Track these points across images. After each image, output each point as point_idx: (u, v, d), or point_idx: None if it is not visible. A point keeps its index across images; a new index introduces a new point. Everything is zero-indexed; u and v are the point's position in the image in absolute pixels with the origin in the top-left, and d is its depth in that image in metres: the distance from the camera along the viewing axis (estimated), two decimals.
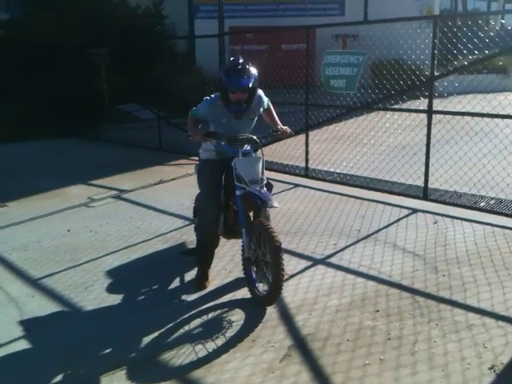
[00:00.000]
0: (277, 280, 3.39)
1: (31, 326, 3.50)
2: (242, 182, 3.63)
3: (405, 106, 7.71)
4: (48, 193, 6.86)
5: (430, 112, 5.45)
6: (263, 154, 3.81)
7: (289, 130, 4.11)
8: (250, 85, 3.66)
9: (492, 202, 5.39)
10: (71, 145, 10.55)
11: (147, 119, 12.01)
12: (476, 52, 6.15)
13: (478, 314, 3.41)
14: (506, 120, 5.31)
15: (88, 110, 11.29)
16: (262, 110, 4.11)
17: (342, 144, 7.74)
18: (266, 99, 4.14)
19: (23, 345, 3.30)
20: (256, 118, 4.11)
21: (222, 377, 2.89)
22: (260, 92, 4.01)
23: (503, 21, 20.45)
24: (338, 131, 8.43)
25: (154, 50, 12.21)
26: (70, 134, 11.27)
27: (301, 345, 3.17)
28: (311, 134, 7.10)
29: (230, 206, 3.98)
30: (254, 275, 3.71)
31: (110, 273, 4.35)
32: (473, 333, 3.19)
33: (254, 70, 3.73)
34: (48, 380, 2.93)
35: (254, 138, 3.80)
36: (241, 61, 3.71)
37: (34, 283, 4.18)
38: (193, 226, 4.72)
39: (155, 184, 7.21)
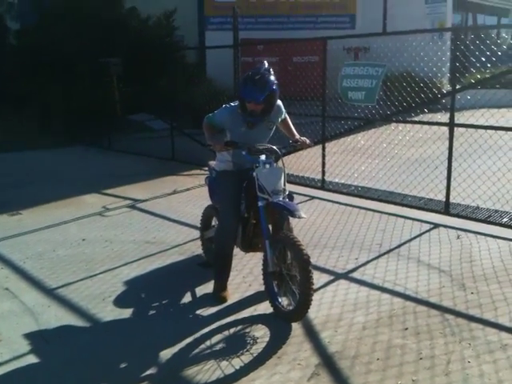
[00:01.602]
0: (306, 295, 3.29)
1: (49, 337, 3.42)
2: (264, 193, 3.54)
3: (421, 119, 7.62)
4: (62, 201, 6.79)
5: (451, 125, 5.35)
6: (284, 165, 3.73)
7: (308, 141, 4.04)
8: (262, 99, 3.59)
9: None
10: (84, 153, 10.50)
11: (159, 129, 12.00)
12: (489, 65, 6.06)
13: (511, 333, 3.28)
14: None
15: (100, 119, 11.29)
16: (280, 120, 4.05)
17: (359, 157, 7.66)
18: (283, 110, 4.07)
19: (41, 357, 3.21)
20: (274, 128, 4.04)
21: None
22: (279, 102, 3.95)
23: None
24: (356, 143, 8.32)
25: (165, 60, 12.23)
26: (83, 143, 11.25)
27: (328, 363, 3.06)
28: (328, 145, 7.01)
29: (248, 218, 3.89)
30: (276, 290, 3.60)
31: (128, 283, 4.26)
32: (508, 354, 3.06)
33: (273, 81, 3.64)
34: None
35: (275, 148, 3.73)
36: (262, 70, 3.64)
37: (50, 293, 4.10)
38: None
39: (169, 194, 7.13)
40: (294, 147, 4.11)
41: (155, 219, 6.00)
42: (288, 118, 4.20)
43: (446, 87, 13.16)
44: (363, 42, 14.38)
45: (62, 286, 4.20)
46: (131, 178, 8.11)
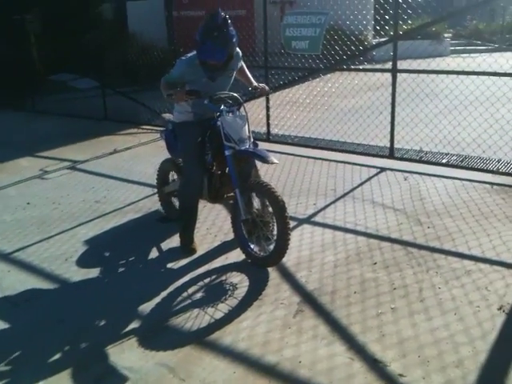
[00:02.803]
0: (284, 239, 3.32)
1: (17, 302, 3.25)
2: (231, 141, 3.48)
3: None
4: None
5: (394, 71, 5.50)
6: (246, 112, 3.68)
7: (267, 88, 4.00)
8: (224, 59, 3.47)
9: (454, 158, 5.57)
10: (7, 116, 9.79)
11: (85, 89, 11.41)
12: (405, 17, 6.22)
13: (471, 260, 3.52)
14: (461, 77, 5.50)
15: (20, 81, 10.54)
16: (238, 67, 3.97)
17: (304, 107, 7.72)
18: (241, 56, 3.98)
19: (11, 321, 3.06)
20: (234, 75, 3.96)
21: (240, 336, 2.81)
22: (237, 49, 3.84)
23: None
24: (300, 95, 8.36)
25: (84, 16, 11.57)
26: (4, 106, 10.46)
27: (310, 300, 3.15)
28: (271, 97, 6.99)
29: (212, 169, 3.84)
30: (247, 237, 3.60)
31: (88, 243, 4.11)
32: (473, 278, 3.29)
33: (232, 34, 3.46)
34: (53, 355, 2.73)
35: (237, 95, 3.66)
36: (219, 22, 3.39)
37: (6, 258, 3.89)
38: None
39: (110, 154, 6.86)
40: (254, 94, 4.05)
41: (101, 179, 5.78)
42: (244, 64, 4.12)
43: (370, 41, 13.46)
44: None
45: (18, 250, 3.99)
46: (64, 139, 7.70)
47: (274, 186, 3.40)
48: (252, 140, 3.67)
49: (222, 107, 3.54)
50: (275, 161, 3.41)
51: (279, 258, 3.44)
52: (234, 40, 3.53)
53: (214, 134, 3.66)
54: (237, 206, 3.56)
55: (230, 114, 3.55)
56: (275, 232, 3.43)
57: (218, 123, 3.55)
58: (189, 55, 3.74)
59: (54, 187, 5.54)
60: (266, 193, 3.36)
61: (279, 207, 3.29)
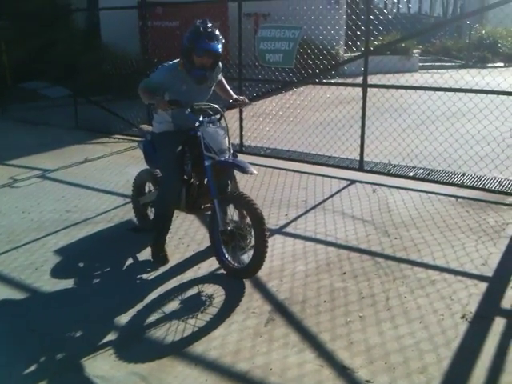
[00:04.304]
0: (262, 251, 3.37)
1: None
2: (211, 152, 3.53)
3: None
4: None
5: (365, 86, 5.65)
6: (227, 123, 3.74)
7: (247, 100, 4.08)
8: (220, 52, 3.58)
9: (420, 171, 5.74)
10: None
11: (55, 97, 11.32)
12: (375, 33, 6.41)
13: (436, 270, 3.64)
14: (428, 93, 5.68)
15: None
16: (218, 79, 4.03)
17: (276, 120, 7.82)
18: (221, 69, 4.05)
19: None
20: (213, 87, 4.03)
21: (211, 344, 2.85)
22: None
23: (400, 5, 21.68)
24: (272, 107, 8.46)
25: (56, 24, 11.46)
26: None
27: (280, 309, 3.20)
28: (244, 109, 7.07)
29: (191, 179, 3.87)
30: (223, 247, 3.64)
31: (59, 252, 4.09)
32: (437, 287, 3.40)
33: (221, 35, 3.62)
34: (24, 365, 2.71)
35: (217, 106, 3.72)
36: (210, 24, 3.56)
37: None
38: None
39: (81, 163, 6.82)
40: (235, 106, 4.12)
41: (72, 188, 5.74)
42: (223, 78, 4.18)
43: (341, 55, 13.73)
44: (263, 8, 14.44)
45: None
46: (34, 148, 7.61)
47: (252, 198, 3.45)
48: (232, 151, 3.73)
49: (203, 118, 3.59)
50: (254, 171, 3.47)
51: (256, 269, 3.48)
52: (223, 40, 3.62)
53: (194, 144, 3.69)
54: (215, 216, 3.58)
55: (211, 125, 3.60)
56: (252, 244, 3.49)
57: (199, 133, 3.58)
58: (171, 62, 3.79)
59: (24, 196, 5.48)
60: (245, 204, 3.41)
61: (258, 219, 3.35)
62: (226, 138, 3.62)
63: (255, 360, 2.71)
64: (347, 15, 12.27)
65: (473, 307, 3.15)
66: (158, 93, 3.70)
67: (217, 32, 3.57)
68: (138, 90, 3.78)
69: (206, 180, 3.75)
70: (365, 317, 3.09)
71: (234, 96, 4.07)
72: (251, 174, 3.47)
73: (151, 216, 4.37)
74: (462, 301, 3.23)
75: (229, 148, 3.62)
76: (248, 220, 3.49)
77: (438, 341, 2.84)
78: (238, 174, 3.91)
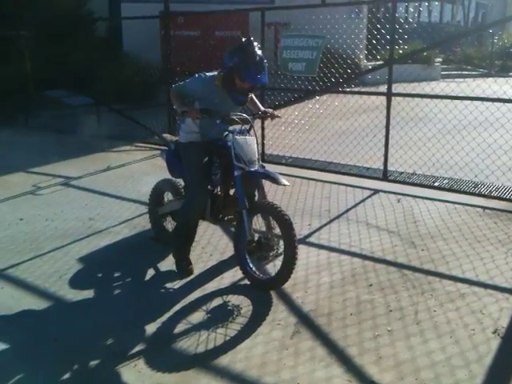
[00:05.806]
0: (291, 261, 3.33)
1: (10, 319, 3.21)
2: (241, 162, 3.50)
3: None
4: None
5: (389, 94, 5.58)
6: (256, 134, 3.71)
7: (276, 113, 4.05)
8: (267, 80, 3.58)
9: (446, 181, 5.64)
10: None
11: (78, 106, 11.43)
12: (400, 41, 6.35)
13: (465, 283, 3.55)
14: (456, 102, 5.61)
15: (13, 97, 10.51)
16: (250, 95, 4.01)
17: (299, 128, 7.77)
18: None
19: (7, 339, 3.01)
20: None
21: (237, 357, 2.80)
22: None
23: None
24: (295, 116, 8.41)
25: (78, 33, 11.60)
26: None
27: (306, 321, 3.15)
28: None
29: (215, 190, 3.85)
30: (248, 258, 3.59)
31: (82, 261, 4.09)
32: (467, 301, 3.31)
33: (264, 59, 3.55)
34: (48, 374, 2.70)
35: (247, 117, 3.70)
36: (257, 49, 3.47)
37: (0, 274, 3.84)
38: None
39: (104, 171, 6.85)
40: (263, 117, 4.11)
41: (95, 196, 5.76)
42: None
43: (363, 63, 13.67)
44: (283, 17, 14.46)
45: (11, 267, 3.95)
46: (58, 155, 7.66)
47: (281, 207, 3.41)
48: (260, 162, 3.71)
49: (234, 127, 3.58)
50: (286, 183, 3.43)
51: (284, 280, 3.43)
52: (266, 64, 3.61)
53: (222, 155, 3.67)
54: (242, 226, 3.53)
55: (241, 135, 3.58)
56: (278, 254, 3.44)
57: (229, 143, 3.56)
58: (209, 74, 3.74)
59: (47, 203, 5.51)
60: (274, 213, 3.38)
61: (287, 228, 3.31)
62: (256, 149, 3.59)
63: (282, 374, 2.65)
64: (368, 24, 12.24)
65: (504, 322, 3.05)
66: (188, 99, 3.70)
67: (262, 58, 3.49)
68: (170, 93, 3.83)
69: (231, 190, 3.72)
70: (393, 331, 3.01)
71: (262, 108, 4.04)
72: (284, 185, 3.42)
73: (168, 227, 4.35)
74: (493, 315, 3.13)
75: (258, 159, 3.60)
76: (275, 230, 3.45)
77: (470, 356, 2.75)
78: (265, 186, 3.88)
